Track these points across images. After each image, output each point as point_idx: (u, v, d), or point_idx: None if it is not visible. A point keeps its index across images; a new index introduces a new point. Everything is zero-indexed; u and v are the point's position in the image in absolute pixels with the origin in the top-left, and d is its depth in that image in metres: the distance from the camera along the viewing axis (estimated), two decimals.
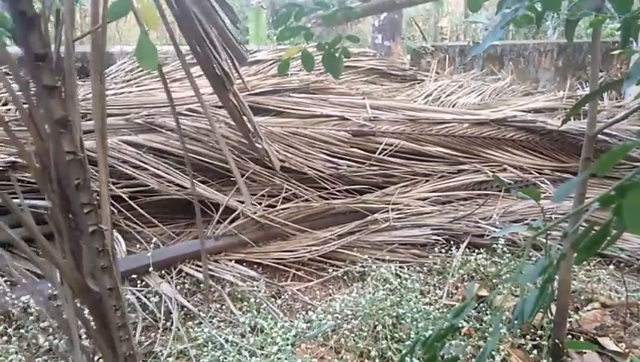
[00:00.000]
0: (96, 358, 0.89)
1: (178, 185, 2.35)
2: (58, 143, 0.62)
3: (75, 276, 0.74)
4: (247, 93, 2.86)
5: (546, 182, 2.86)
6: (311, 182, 2.57)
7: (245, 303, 1.93)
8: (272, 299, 2.00)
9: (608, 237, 0.56)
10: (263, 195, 2.46)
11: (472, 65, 4.91)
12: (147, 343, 1.71)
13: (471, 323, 1.77)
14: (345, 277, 2.19)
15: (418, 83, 3.81)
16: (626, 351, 1.63)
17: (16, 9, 0.56)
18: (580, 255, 0.59)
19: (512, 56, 4.89)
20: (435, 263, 2.21)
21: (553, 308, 1.60)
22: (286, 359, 1.57)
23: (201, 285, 2.04)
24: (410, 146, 2.82)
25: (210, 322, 1.81)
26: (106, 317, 0.71)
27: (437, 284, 2.08)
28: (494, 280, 2.13)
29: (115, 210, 2.26)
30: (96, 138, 0.80)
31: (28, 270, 2.03)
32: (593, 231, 0.57)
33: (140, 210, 2.29)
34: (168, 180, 2.35)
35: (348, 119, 2.80)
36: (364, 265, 2.16)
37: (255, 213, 2.31)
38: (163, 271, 2.08)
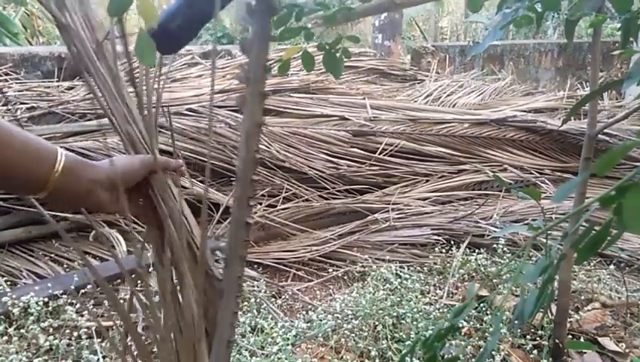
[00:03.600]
0: None
1: None
2: (250, 144, 0.67)
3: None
4: None
5: (547, 182, 2.86)
6: (311, 182, 2.57)
7: (245, 303, 1.93)
8: (273, 299, 2.00)
9: (609, 238, 0.56)
10: (263, 195, 2.46)
11: (472, 65, 4.91)
12: (147, 343, 1.71)
13: (471, 323, 1.77)
14: (345, 277, 2.19)
15: (418, 83, 3.81)
16: (627, 351, 1.63)
17: (258, 22, 0.62)
18: (580, 255, 0.59)
19: (512, 56, 4.89)
20: (435, 263, 2.21)
21: (553, 308, 1.60)
22: (286, 359, 1.57)
23: None
24: (411, 146, 2.82)
25: None
26: None
27: (437, 284, 2.08)
28: (495, 280, 2.13)
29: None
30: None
31: (28, 270, 2.04)
32: (593, 232, 0.57)
33: None
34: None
35: (348, 119, 2.80)
36: (364, 265, 2.17)
37: (255, 213, 2.31)
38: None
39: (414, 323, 1.73)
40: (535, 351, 1.62)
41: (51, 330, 1.65)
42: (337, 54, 0.98)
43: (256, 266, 2.18)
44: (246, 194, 0.65)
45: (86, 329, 1.66)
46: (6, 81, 2.90)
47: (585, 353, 1.59)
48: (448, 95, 3.50)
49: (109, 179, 0.70)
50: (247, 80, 0.63)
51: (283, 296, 2.02)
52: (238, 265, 0.69)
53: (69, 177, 0.66)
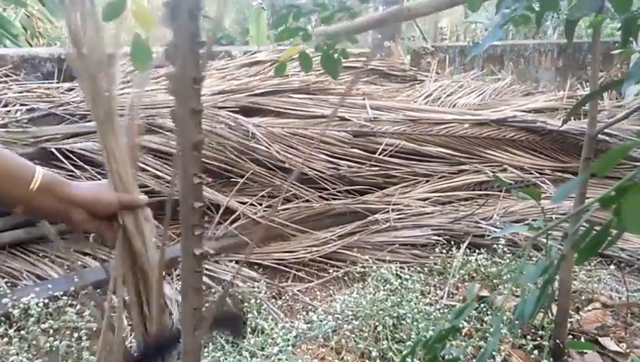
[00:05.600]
0: None
1: (178, 185, 2.35)
2: (188, 167, 0.62)
3: None
4: (248, 93, 2.86)
5: (547, 182, 2.85)
6: (311, 182, 2.57)
7: (246, 304, 1.93)
8: (273, 300, 2.00)
9: (609, 238, 0.56)
10: (263, 196, 2.46)
11: (472, 66, 4.91)
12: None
13: (472, 323, 1.77)
14: (345, 278, 2.19)
15: (418, 83, 3.81)
16: (627, 351, 1.63)
17: (182, 29, 0.54)
18: (581, 255, 0.59)
19: (512, 56, 4.88)
20: (435, 264, 2.21)
21: (554, 308, 1.60)
22: (287, 360, 1.57)
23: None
24: (411, 147, 2.82)
25: None
26: None
27: (438, 285, 2.08)
28: (495, 281, 2.13)
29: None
30: None
31: (28, 271, 2.03)
32: (594, 232, 0.57)
33: None
34: (168, 181, 2.35)
35: (348, 120, 2.80)
36: (364, 265, 2.16)
37: (255, 213, 2.31)
38: (163, 272, 2.08)
39: (415, 323, 1.73)
40: (536, 352, 1.61)
41: (52, 331, 1.65)
42: (335, 55, 0.98)
43: (256, 267, 2.18)
44: (190, 223, 0.63)
45: (86, 331, 1.66)
46: (6, 82, 2.90)
47: (585, 353, 1.59)
48: (448, 95, 3.50)
49: (85, 200, 0.74)
50: (176, 93, 0.57)
51: (283, 297, 2.02)
52: (193, 296, 0.67)
53: (44, 195, 0.70)
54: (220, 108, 2.64)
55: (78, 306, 1.78)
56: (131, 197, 0.80)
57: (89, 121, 2.62)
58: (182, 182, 0.63)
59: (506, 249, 2.20)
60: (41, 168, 0.72)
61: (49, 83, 3.04)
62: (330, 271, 2.21)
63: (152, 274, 0.78)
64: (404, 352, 1.59)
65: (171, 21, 0.54)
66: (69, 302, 1.79)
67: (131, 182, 0.78)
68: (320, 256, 2.25)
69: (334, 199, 2.54)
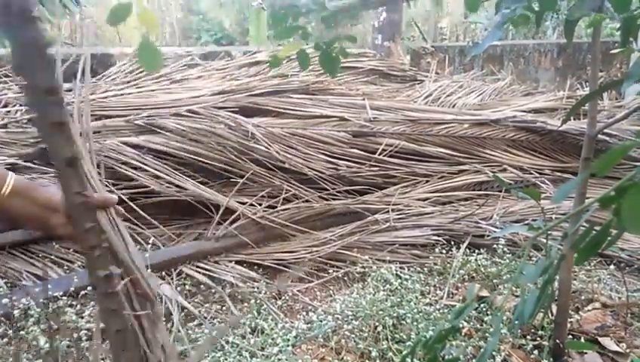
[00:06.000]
0: None
1: (178, 186, 2.35)
2: (67, 184, 0.58)
3: None
4: (248, 93, 2.86)
5: (546, 182, 2.86)
6: (311, 182, 2.57)
7: (246, 304, 1.93)
8: (273, 300, 2.00)
9: (609, 238, 0.56)
10: (263, 196, 2.46)
11: (471, 66, 4.91)
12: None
13: (471, 323, 1.77)
14: (345, 278, 2.19)
15: (418, 83, 3.81)
16: (627, 351, 1.63)
17: (19, 35, 0.47)
18: (580, 256, 0.59)
19: (511, 56, 4.89)
20: (435, 264, 2.21)
21: (554, 308, 1.60)
22: (286, 360, 1.57)
23: (202, 286, 2.04)
24: (411, 147, 2.82)
25: (211, 323, 1.81)
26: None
27: (437, 285, 2.08)
28: (495, 281, 2.13)
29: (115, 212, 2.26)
30: None
31: (28, 271, 2.03)
32: (593, 232, 0.57)
33: (140, 212, 2.29)
34: (168, 181, 2.35)
35: (348, 120, 2.80)
36: (364, 265, 2.16)
37: (255, 213, 2.31)
38: (163, 273, 2.08)
39: (415, 323, 1.73)
40: (536, 352, 1.61)
41: (51, 332, 1.65)
42: (334, 54, 0.98)
43: (256, 267, 2.18)
44: (88, 245, 0.60)
45: (86, 331, 1.66)
46: (6, 82, 2.90)
47: (585, 353, 1.59)
48: (448, 95, 3.50)
49: (61, 203, 0.72)
50: (33, 107, 0.52)
51: (283, 297, 2.02)
52: (113, 319, 0.66)
53: (17, 199, 0.70)
54: (220, 108, 2.65)
55: (78, 306, 1.77)
56: (104, 196, 0.79)
57: None
58: (67, 203, 0.59)
59: (505, 249, 2.20)
60: (13, 174, 0.72)
61: None
62: (330, 271, 2.21)
63: (136, 271, 0.77)
64: (404, 352, 1.59)
65: (5, 26, 0.46)
66: (69, 302, 1.79)
67: (98, 182, 0.78)
68: (320, 256, 2.25)
69: (334, 199, 2.54)
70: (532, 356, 1.60)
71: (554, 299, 1.56)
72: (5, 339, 1.60)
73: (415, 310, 1.79)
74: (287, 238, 2.37)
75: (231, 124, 2.50)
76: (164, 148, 2.43)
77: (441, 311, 1.83)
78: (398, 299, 1.86)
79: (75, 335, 1.65)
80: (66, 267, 2.11)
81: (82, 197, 0.59)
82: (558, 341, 1.56)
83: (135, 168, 2.34)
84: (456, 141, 2.92)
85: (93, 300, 1.90)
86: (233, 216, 2.31)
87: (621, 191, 0.45)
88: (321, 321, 1.78)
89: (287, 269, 2.20)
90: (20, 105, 2.66)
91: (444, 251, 2.29)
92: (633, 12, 0.91)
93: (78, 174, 0.58)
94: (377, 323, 1.73)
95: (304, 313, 1.90)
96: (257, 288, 1.99)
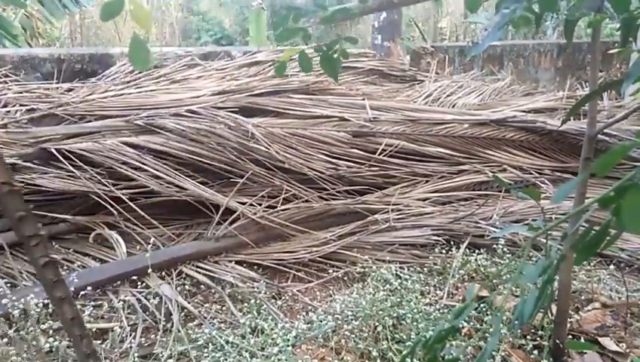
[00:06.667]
0: None
1: (178, 186, 2.35)
2: (7, 208, 0.58)
3: None
4: (247, 93, 2.86)
5: (546, 182, 2.86)
6: (311, 182, 2.57)
7: (246, 304, 1.93)
8: (273, 300, 2.00)
9: (608, 238, 0.56)
10: (263, 196, 2.46)
11: (471, 66, 4.91)
12: (147, 344, 1.71)
13: (471, 323, 1.77)
14: (345, 278, 2.19)
15: (418, 83, 3.81)
16: (627, 351, 1.63)
17: None
18: (580, 255, 0.59)
19: (511, 56, 4.88)
20: (435, 264, 2.21)
21: (554, 308, 1.60)
22: (286, 360, 1.57)
23: (202, 286, 2.04)
24: (410, 147, 2.82)
25: (211, 323, 1.81)
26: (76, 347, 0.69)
27: (437, 285, 2.08)
28: (495, 281, 2.13)
29: (115, 212, 2.26)
30: None
31: (28, 271, 2.03)
32: (593, 232, 0.57)
33: (140, 212, 2.29)
34: (168, 181, 2.35)
35: (348, 120, 2.80)
36: (364, 265, 2.16)
37: (255, 213, 2.30)
38: (163, 273, 2.08)
39: (415, 323, 1.73)
40: (535, 352, 1.61)
41: (51, 332, 1.65)
42: (335, 56, 0.98)
43: (256, 267, 2.18)
44: (25, 235, 0.60)
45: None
46: (6, 82, 2.90)
47: (585, 353, 1.59)
48: (448, 95, 3.50)
49: None
50: None
51: (283, 297, 2.02)
52: (64, 306, 0.65)
53: None
54: (220, 108, 2.65)
55: (78, 306, 1.77)
56: None
57: (88, 121, 2.62)
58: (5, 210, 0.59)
59: (505, 249, 2.20)
60: None
61: (48, 83, 3.04)
62: (330, 271, 2.21)
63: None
64: (404, 352, 1.59)
65: None
66: None
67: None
68: (320, 256, 2.25)
69: (334, 199, 2.54)
70: (532, 356, 1.60)
71: (554, 299, 1.56)
72: (5, 339, 1.59)
73: (415, 310, 1.79)
74: (287, 238, 2.37)
75: (231, 124, 2.50)
76: (164, 148, 2.43)
77: (440, 311, 1.83)
78: (398, 299, 1.86)
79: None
80: (65, 267, 2.12)
81: (9, 186, 0.58)
82: (557, 341, 1.56)
83: (135, 168, 2.34)
84: (456, 141, 2.92)
85: (93, 300, 1.90)
86: (233, 216, 2.31)
87: (621, 191, 0.45)
88: (321, 321, 1.78)
89: (287, 269, 2.21)
90: (20, 105, 2.66)
91: (444, 251, 2.29)
92: (632, 12, 0.91)
93: (2, 165, 0.58)
94: (377, 323, 1.73)
95: (304, 313, 1.90)
96: (257, 288, 1.99)
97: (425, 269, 2.20)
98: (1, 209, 0.60)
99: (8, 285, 1.95)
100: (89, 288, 1.87)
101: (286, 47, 3.55)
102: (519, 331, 1.71)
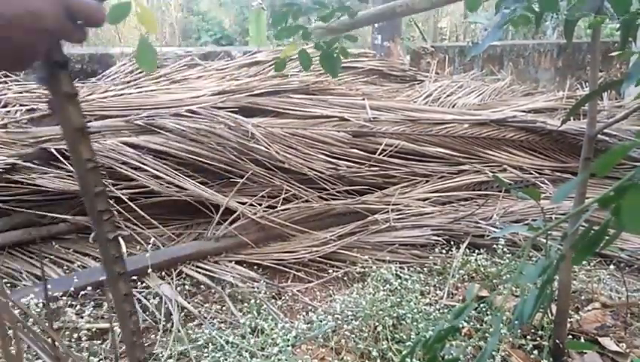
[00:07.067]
0: None
1: (178, 186, 2.35)
2: (77, 151, 0.62)
3: None
4: (247, 94, 2.86)
5: (546, 182, 2.86)
6: (311, 183, 2.57)
7: (245, 304, 1.93)
8: (273, 300, 2.00)
9: (607, 237, 0.56)
10: (263, 196, 2.46)
11: (471, 66, 4.91)
12: (147, 344, 1.71)
13: (471, 323, 1.77)
14: (345, 278, 2.19)
15: (418, 83, 3.81)
16: (627, 351, 1.63)
17: None
18: (578, 255, 0.59)
19: (511, 56, 4.89)
20: (435, 264, 2.21)
21: (553, 308, 1.60)
22: (286, 360, 1.57)
23: (202, 286, 2.04)
24: (410, 147, 2.82)
25: (211, 323, 1.81)
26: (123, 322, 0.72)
27: (437, 285, 2.08)
28: (495, 281, 2.13)
29: (115, 212, 2.26)
30: None
31: (28, 272, 2.03)
32: (592, 232, 0.57)
33: (140, 212, 2.29)
34: (168, 181, 2.35)
35: (348, 120, 2.80)
36: (364, 265, 2.16)
37: (255, 213, 2.31)
38: (163, 273, 2.08)
39: (415, 323, 1.73)
40: (535, 352, 1.62)
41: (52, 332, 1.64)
42: (335, 54, 0.98)
43: (256, 267, 2.18)
44: (98, 209, 0.63)
45: (86, 331, 1.66)
46: (6, 82, 2.90)
47: (585, 353, 1.59)
48: (448, 95, 3.50)
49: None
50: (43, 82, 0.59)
51: (283, 297, 2.02)
52: (120, 282, 0.68)
53: None
54: (220, 108, 2.65)
55: (78, 306, 1.78)
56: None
57: (89, 121, 2.62)
58: (77, 170, 0.63)
59: (505, 249, 2.20)
60: None
61: None
62: (330, 271, 2.21)
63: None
64: (404, 352, 1.59)
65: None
66: (69, 302, 1.79)
67: None
68: (320, 257, 2.25)
69: (334, 199, 2.54)
70: (532, 356, 1.60)
71: (554, 299, 1.56)
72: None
73: (415, 310, 1.79)
74: (287, 238, 2.37)
75: (231, 124, 2.50)
76: (164, 148, 2.43)
77: (440, 311, 1.83)
78: (398, 299, 1.86)
79: (75, 335, 1.65)
80: (65, 267, 2.12)
81: (93, 163, 0.62)
82: (557, 341, 1.56)
83: (135, 168, 2.34)
84: (456, 141, 2.92)
85: (93, 300, 1.90)
86: (233, 216, 2.31)
87: (621, 191, 0.45)
88: (321, 321, 1.78)
89: (287, 269, 2.21)
90: (20, 105, 2.66)
91: (443, 251, 2.29)
92: (632, 13, 0.91)
93: (88, 142, 0.62)
94: (377, 323, 1.73)
95: (304, 313, 1.90)
96: (257, 288, 1.99)
97: (425, 269, 2.20)
98: (81, 183, 0.63)
99: (8, 285, 1.95)
100: (89, 288, 1.87)
101: (286, 46, 3.55)
102: (519, 331, 1.71)
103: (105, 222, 0.66)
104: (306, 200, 2.49)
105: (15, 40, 0.54)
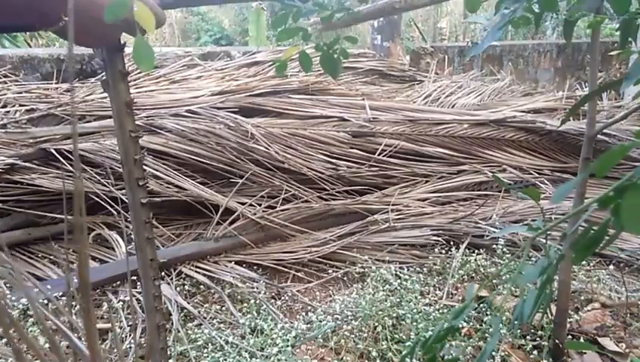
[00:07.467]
0: None
1: (178, 186, 2.35)
2: (122, 122, 0.73)
3: None
4: (247, 94, 2.86)
5: (546, 182, 2.86)
6: (311, 183, 2.57)
7: (245, 304, 1.93)
8: (272, 301, 2.00)
9: (606, 237, 0.56)
10: (262, 196, 2.46)
11: (471, 66, 4.91)
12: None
13: (471, 323, 1.77)
14: (345, 278, 2.19)
15: (417, 84, 3.81)
16: (626, 351, 1.63)
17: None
18: (578, 255, 0.59)
19: (511, 56, 4.89)
20: (434, 264, 2.21)
21: (553, 308, 1.60)
22: (286, 360, 1.57)
23: (201, 286, 2.04)
24: (410, 147, 2.82)
25: (210, 323, 1.81)
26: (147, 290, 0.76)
27: (437, 285, 2.08)
28: (494, 281, 2.13)
29: (114, 212, 2.26)
30: None
31: (28, 272, 2.03)
32: (591, 232, 0.57)
33: None
34: (168, 181, 2.35)
35: (347, 120, 2.80)
36: (364, 266, 2.16)
37: (255, 214, 2.30)
38: (162, 273, 2.08)
39: (414, 323, 1.73)
40: (535, 352, 1.62)
41: (51, 332, 1.64)
42: (335, 55, 0.98)
43: (255, 267, 2.18)
44: (134, 176, 0.70)
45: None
46: (5, 83, 2.90)
47: (585, 353, 1.59)
48: (447, 96, 3.50)
49: None
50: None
51: (283, 298, 2.02)
52: (147, 248, 0.73)
53: None
54: (219, 108, 2.64)
55: (78, 306, 1.77)
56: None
57: (88, 121, 2.62)
58: (120, 140, 0.72)
59: (505, 249, 2.20)
60: None
61: (48, 83, 3.04)
62: (330, 271, 2.21)
63: None
64: (404, 353, 1.59)
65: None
66: (69, 302, 1.79)
67: None
68: (319, 257, 2.25)
69: (333, 199, 2.54)
70: (531, 356, 1.60)
71: (553, 299, 1.56)
72: (5, 339, 1.59)
73: (414, 310, 1.79)
74: (287, 238, 2.37)
75: (230, 124, 2.50)
76: (164, 149, 2.43)
77: (440, 311, 1.83)
78: (398, 299, 1.86)
79: (75, 335, 1.65)
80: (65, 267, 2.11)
81: (135, 133, 0.72)
82: (557, 341, 1.56)
83: None
84: (456, 141, 2.92)
85: (93, 300, 1.90)
86: (233, 217, 2.31)
87: (620, 191, 0.45)
88: (320, 321, 1.78)
89: (286, 269, 2.21)
90: (20, 105, 2.66)
91: (443, 251, 2.29)
92: (632, 13, 0.91)
93: (132, 115, 0.72)
94: (377, 324, 1.73)
95: (304, 313, 1.90)
96: (257, 288, 1.99)
97: (424, 269, 2.20)
98: (122, 150, 0.71)
99: (8, 285, 1.95)
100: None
101: (286, 47, 3.54)
102: (519, 331, 1.71)
103: (140, 188, 0.73)
104: (306, 201, 2.49)
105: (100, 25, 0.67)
